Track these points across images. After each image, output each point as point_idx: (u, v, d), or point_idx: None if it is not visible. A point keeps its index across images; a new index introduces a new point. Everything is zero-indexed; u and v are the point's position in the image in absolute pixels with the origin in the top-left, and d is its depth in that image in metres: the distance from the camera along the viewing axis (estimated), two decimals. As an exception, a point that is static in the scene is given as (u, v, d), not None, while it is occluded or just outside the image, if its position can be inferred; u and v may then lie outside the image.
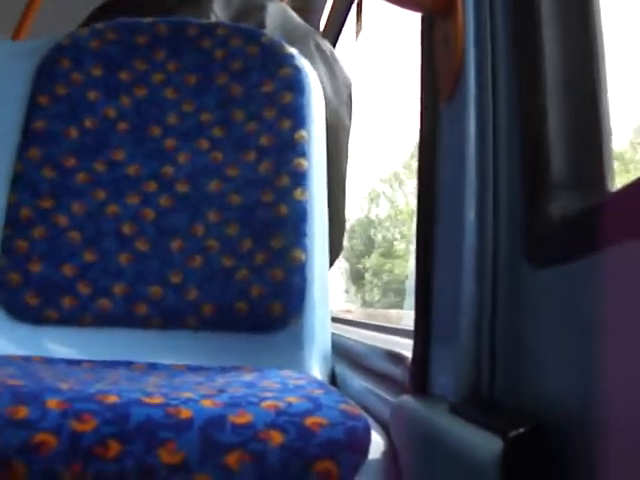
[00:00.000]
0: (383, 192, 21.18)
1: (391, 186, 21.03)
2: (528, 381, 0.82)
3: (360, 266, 19.82)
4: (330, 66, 1.90)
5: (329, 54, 1.93)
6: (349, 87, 1.98)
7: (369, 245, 20.45)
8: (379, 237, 20.81)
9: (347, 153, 1.95)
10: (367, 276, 19.66)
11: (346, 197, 1.98)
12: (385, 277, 19.13)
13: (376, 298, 19.05)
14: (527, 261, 0.82)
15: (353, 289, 20.02)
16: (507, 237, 0.88)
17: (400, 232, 20.35)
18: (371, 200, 21.22)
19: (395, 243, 20.07)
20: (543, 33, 0.86)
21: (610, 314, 0.66)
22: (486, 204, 0.92)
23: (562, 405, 0.73)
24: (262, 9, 1.87)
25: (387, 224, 21.01)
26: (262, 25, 1.82)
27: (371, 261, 19.81)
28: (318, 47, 1.91)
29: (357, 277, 19.85)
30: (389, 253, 19.75)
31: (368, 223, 20.97)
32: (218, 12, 1.83)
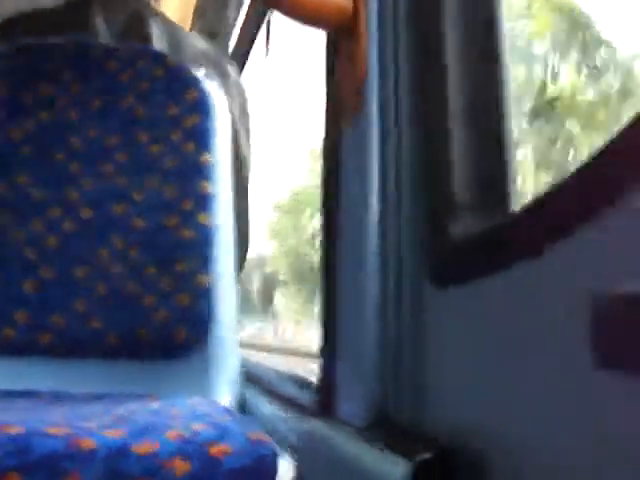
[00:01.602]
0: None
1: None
2: (435, 403, 0.82)
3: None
4: (231, 95, 1.89)
5: (232, 83, 1.93)
6: (244, 101, 1.97)
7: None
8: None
9: (248, 174, 1.95)
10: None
11: (249, 213, 1.98)
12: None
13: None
14: (430, 281, 0.82)
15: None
16: (410, 258, 0.88)
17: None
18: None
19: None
20: (447, 55, 0.87)
21: (513, 333, 0.66)
22: (390, 224, 0.92)
23: (468, 427, 0.73)
24: (143, 21, 1.86)
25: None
26: (147, 38, 1.80)
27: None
28: (222, 73, 1.90)
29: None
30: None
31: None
32: (101, 29, 1.81)
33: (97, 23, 1.82)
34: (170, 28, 1.89)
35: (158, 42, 1.82)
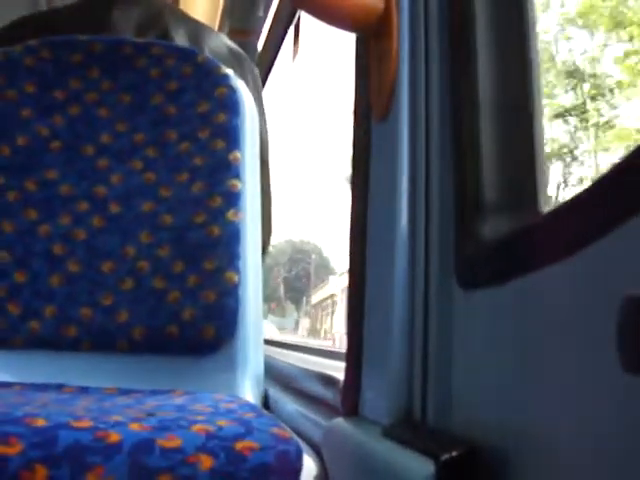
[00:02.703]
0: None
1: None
2: (461, 403, 0.82)
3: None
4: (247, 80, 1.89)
5: (248, 74, 1.93)
6: (260, 99, 1.98)
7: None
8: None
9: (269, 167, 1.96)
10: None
11: (272, 202, 1.98)
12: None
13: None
14: (459, 283, 0.82)
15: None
16: (439, 259, 0.88)
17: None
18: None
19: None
20: (478, 55, 0.87)
21: (541, 335, 0.66)
22: (418, 226, 0.92)
23: (495, 427, 0.73)
24: (162, 18, 1.86)
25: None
26: (167, 35, 1.81)
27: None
28: (239, 65, 1.90)
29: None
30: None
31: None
32: (119, 25, 1.82)
33: (116, 20, 1.83)
34: (191, 25, 1.90)
35: (177, 37, 1.82)
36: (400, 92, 0.96)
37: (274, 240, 2.02)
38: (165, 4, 1.94)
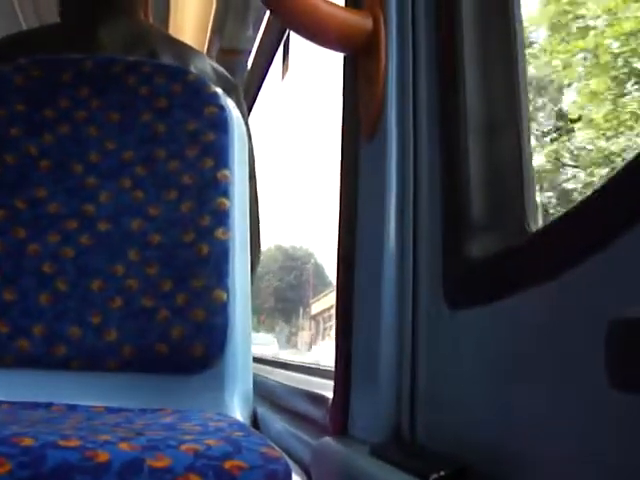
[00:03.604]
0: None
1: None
2: (449, 422, 0.82)
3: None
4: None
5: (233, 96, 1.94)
6: (245, 117, 1.98)
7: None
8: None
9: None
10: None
11: (259, 220, 1.99)
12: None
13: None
14: (446, 302, 0.82)
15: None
16: (427, 278, 0.88)
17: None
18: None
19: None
20: (465, 74, 0.87)
21: (529, 354, 0.66)
22: (406, 245, 0.92)
23: (484, 445, 0.73)
24: (148, 39, 1.87)
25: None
26: (154, 55, 1.81)
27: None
28: (225, 89, 1.91)
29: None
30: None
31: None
32: (106, 43, 1.82)
33: (102, 38, 1.83)
34: (177, 46, 1.90)
35: (165, 57, 1.83)
36: (388, 112, 0.97)
37: (263, 247, 2.03)
38: (151, 24, 1.95)
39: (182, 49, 1.90)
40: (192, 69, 1.83)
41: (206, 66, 1.90)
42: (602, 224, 0.56)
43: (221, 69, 1.95)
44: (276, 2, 1.06)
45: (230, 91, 1.90)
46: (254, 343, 1.47)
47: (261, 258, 2.05)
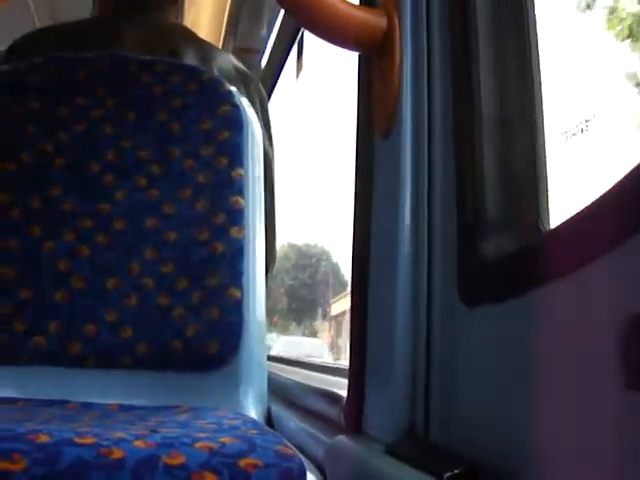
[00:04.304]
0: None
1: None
2: (463, 420, 0.82)
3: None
4: (252, 100, 1.90)
5: (253, 88, 1.94)
6: (266, 115, 1.99)
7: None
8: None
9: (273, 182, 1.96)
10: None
11: (276, 223, 1.99)
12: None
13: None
14: (461, 300, 0.82)
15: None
16: (441, 276, 0.88)
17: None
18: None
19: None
20: (480, 72, 0.87)
21: (544, 352, 0.66)
22: (421, 243, 0.92)
23: (498, 443, 0.73)
24: (170, 37, 1.87)
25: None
26: (175, 53, 1.82)
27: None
28: (245, 83, 1.91)
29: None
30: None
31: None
32: (128, 43, 1.82)
33: (124, 38, 1.84)
34: (199, 45, 1.91)
35: (187, 56, 1.83)
36: (402, 110, 0.97)
37: (277, 244, 2.03)
38: (175, 23, 1.96)
39: (204, 48, 1.91)
40: (214, 67, 1.84)
41: (228, 64, 1.91)
42: (617, 222, 0.56)
43: (242, 66, 1.96)
44: (290, 1, 1.06)
45: (251, 88, 1.91)
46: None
47: (277, 256, 2.06)
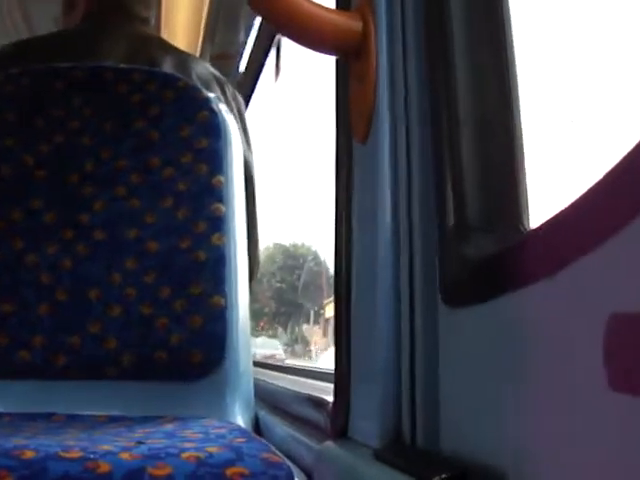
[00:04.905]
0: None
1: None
2: (449, 424, 0.82)
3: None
4: (230, 107, 1.91)
5: (230, 96, 1.95)
6: (245, 123, 2.00)
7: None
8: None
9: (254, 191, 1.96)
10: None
11: (257, 227, 1.99)
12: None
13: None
14: (444, 301, 0.82)
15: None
16: (423, 278, 0.88)
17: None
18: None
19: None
20: (457, 74, 0.87)
21: (528, 352, 0.66)
22: (401, 245, 0.92)
23: (485, 447, 0.73)
24: (148, 46, 1.88)
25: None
26: (153, 62, 1.82)
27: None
28: (222, 90, 1.92)
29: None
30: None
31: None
32: (105, 54, 1.82)
33: (102, 48, 1.84)
34: (177, 54, 1.92)
35: (165, 65, 1.84)
36: (380, 113, 0.96)
37: (261, 246, 2.03)
38: (153, 35, 1.96)
39: (182, 57, 1.91)
40: (193, 75, 1.84)
41: (205, 71, 1.92)
42: (598, 221, 0.56)
43: (219, 74, 1.97)
44: (264, 5, 1.06)
45: (228, 94, 1.91)
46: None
47: (260, 262, 2.05)
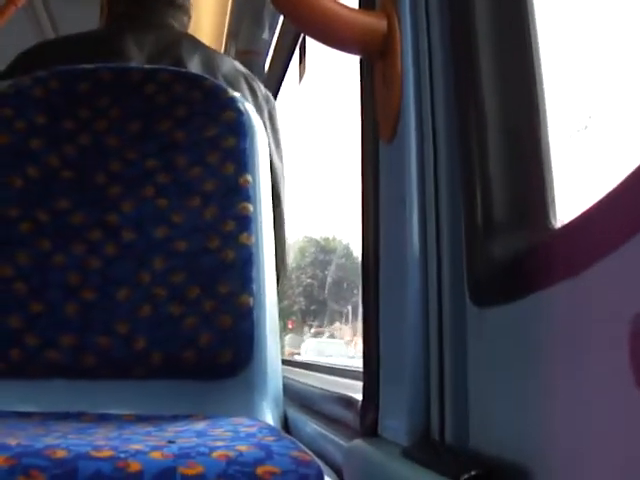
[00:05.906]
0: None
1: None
2: (478, 421, 0.82)
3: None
4: (261, 108, 1.91)
5: (261, 97, 1.94)
6: (275, 124, 1.99)
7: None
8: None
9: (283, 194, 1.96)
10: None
11: (285, 231, 1.99)
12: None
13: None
14: (472, 301, 0.82)
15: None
16: (451, 278, 0.88)
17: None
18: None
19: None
20: (482, 73, 0.87)
21: (555, 351, 0.66)
22: (429, 246, 0.92)
23: (513, 444, 0.73)
24: (175, 45, 1.88)
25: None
26: (180, 61, 1.82)
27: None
28: (251, 89, 1.92)
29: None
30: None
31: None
32: (133, 54, 1.83)
33: (129, 48, 1.84)
34: (204, 52, 1.91)
35: (191, 65, 1.84)
36: (406, 113, 0.96)
37: (291, 239, 2.03)
38: (181, 33, 1.96)
39: (209, 54, 1.91)
40: (219, 74, 1.84)
41: (232, 69, 1.92)
42: (626, 218, 0.56)
43: (247, 71, 1.97)
44: (288, 5, 1.06)
45: (257, 92, 1.91)
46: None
47: (288, 262, 2.05)
